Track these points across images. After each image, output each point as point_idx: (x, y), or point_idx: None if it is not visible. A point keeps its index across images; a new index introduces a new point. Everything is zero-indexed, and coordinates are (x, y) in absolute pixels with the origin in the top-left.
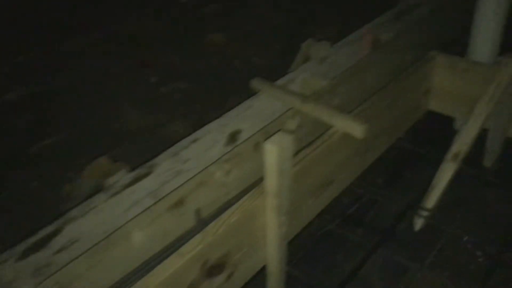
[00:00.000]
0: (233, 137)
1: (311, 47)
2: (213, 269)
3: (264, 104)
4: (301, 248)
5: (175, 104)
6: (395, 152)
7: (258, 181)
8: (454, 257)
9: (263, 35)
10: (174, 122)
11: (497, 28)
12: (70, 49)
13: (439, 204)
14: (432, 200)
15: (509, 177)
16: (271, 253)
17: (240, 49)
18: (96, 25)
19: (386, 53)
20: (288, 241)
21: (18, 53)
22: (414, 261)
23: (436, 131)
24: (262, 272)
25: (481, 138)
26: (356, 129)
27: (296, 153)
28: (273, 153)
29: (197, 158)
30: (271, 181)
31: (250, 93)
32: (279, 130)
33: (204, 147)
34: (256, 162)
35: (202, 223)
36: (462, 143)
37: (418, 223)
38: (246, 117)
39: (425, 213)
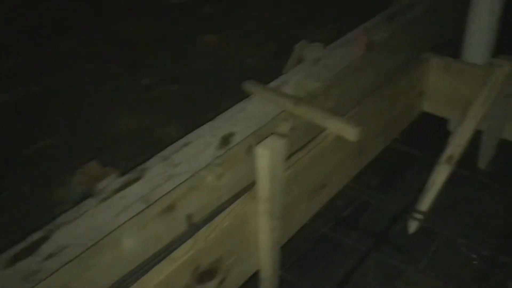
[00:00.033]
0: (225, 140)
1: (305, 49)
2: (204, 275)
3: (256, 106)
4: (295, 252)
5: (167, 106)
6: (389, 154)
7: (251, 185)
8: (449, 260)
9: (257, 36)
10: (166, 124)
11: (491, 29)
12: (61, 51)
13: (434, 206)
14: (426, 202)
15: (503, 179)
16: (264, 258)
17: (233, 51)
18: (87, 27)
19: (380, 54)
20: (281, 245)
21: (8, 55)
22: (408, 264)
23: (430, 133)
24: (254, 277)
25: (475, 139)
26: (350, 132)
27: (289, 156)
28: (265, 157)
29: (189, 162)
30: (263, 186)
31: (244, 95)
32: (271, 134)
33: (196, 150)
34: (249, 166)
35: (193, 228)
36: (456, 145)
37: (413, 226)
38: (238, 120)
39: (419, 216)
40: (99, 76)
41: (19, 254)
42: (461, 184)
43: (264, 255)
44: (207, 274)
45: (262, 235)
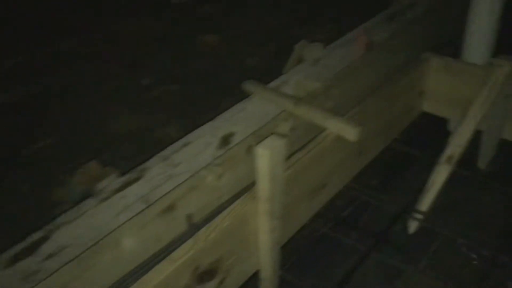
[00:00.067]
0: (225, 140)
1: (305, 49)
2: (204, 275)
3: (256, 106)
4: (295, 252)
5: (167, 106)
6: (389, 154)
7: (251, 185)
8: (449, 260)
9: (257, 36)
10: (166, 124)
11: (491, 29)
12: (60, 51)
13: (434, 206)
14: (426, 202)
15: (503, 179)
16: (264, 258)
17: (233, 51)
18: (87, 27)
19: (380, 54)
20: (281, 245)
21: (8, 55)
22: (408, 264)
23: (430, 133)
24: (254, 277)
25: (475, 139)
26: (350, 132)
27: (289, 156)
28: (265, 157)
29: (189, 162)
30: (263, 186)
31: (244, 95)
32: (271, 134)
33: (196, 150)
34: (249, 166)
35: (193, 228)
36: (456, 145)
37: (413, 226)
38: (238, 120)
39: (419, 216)
40: (99, 76)
41: (19, 254)
42: (461, 184)
43: (264, 255)
44: (207, 274)
45: (262, 235)
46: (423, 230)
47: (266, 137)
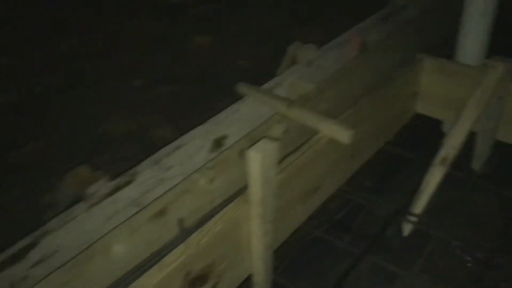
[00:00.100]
0: (218, 143)
1: (298, 50)
2: (196, 280)
3: (250, 109)
4: (288, 256)
5: (160, 108)
6: (383, 156)
7: (244, 189)
8: (443, 263)
9: (251, 37)
10: (159, 127)
11: (485, 30)
12: (52, 52)
13: (428, 208)
14: (420, 205)
15: (498, 180)
16: (257, 262)
17: (227, 52)
18: (79, 28)
19: (374, 55)
20: (274, 249)
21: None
22: (402, 267)
23: (424, 134)
24: (247, 282)
25: (470, 141)
26: (343, 135)
27: (282, 159)
28: (257, 160)
29: (181, 165)
30: (255, 189)
31: (237, 97)
32: (264, 137)
33: (188, 153)
34: (242, 169)
35: (185, 233)
36: (450, 147)
37: (407, 229)
38: (231, 122)
39: (413, 218)
40: (90, 78)
41: (6, 260)
42: (456, 186)
43: (256, 259)
44: (199, 280)
45: (255, 239)
46: (417, 232)
47: (259, 140)
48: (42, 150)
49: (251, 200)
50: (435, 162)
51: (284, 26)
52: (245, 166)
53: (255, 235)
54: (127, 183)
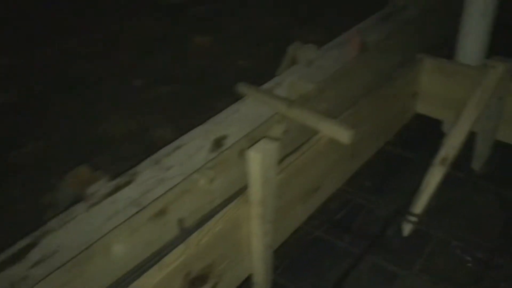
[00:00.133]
0: (218, 143)
1: (298, 50)
2: (196, 280)
3: (250, 109)
4: (288, 256)
5: (160, 108)
6: (383, 156)
7: (244, 189)
8: (443, 263)
9: (251, 37)
10: (159, 127)
11: (485, 30)
12: (52, 52)
13: (428, 208)
14: (420, 205)
15: (498, 180)
16: (257, 262)
17: (227, 52)
18: (79, 27)
19: (373, 55)
20: (274, 249)
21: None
22: (402, 267)
23: (424, 134)
24: (247, 282)
25: (470, 141)
26: (343, 135)
27: (282, 158)
28: (257, 161)
29: (181, 165)
30: (255, 189)
31: (237, 97)
32: (264, 137)
33: (188, 153)
34: (241, 169)
35: (185, 233)
36: (450, 147)
37: (407, 229)
38: (231, 122)
39: (413, 218)
40: (90, 78)
41: (6, 261)
42: (456, 186)
43: (256, 259)
44: (199, 280)
45: (255, 239)
46: (417, 232)
47: (258, 140)
48: (42, 150)
49: (251, 200)
50: (435, 162)
51: (284, 26)
52: (245, 166)
53: (255, 235)
54: (127, 183)
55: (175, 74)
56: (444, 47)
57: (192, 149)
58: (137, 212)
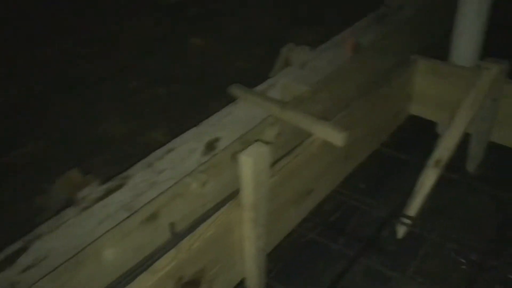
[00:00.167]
0: (210, 146)
1: (292, 52)
2: (188, 285)
3: (242, 111)
4: (281, 259)
5: (154, 110)
6: (377, 158)
7: (236, 192)
8: (437, 265)
9: (250, 38)
10: (153, 129)
11: (479, 31)
12: (52, 52)
13: (422, 210)
14: (414, 207)
15: (492, 182)
16: (249, 266)
17: (222, 53)
18: (74, 28)
19: (367, 57)
20: (268, 252)
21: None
22: (396, 269)
23: (418, 136)
24: (240, 285)
25: (464, 143)
26: (336, 137)
27: (276, 161)
28: (249, 164)
29: (173, 169)
30: (247, 193)
31: (232, 99)
32: (257, 140)
33: (180, 157)
34: (234, 172)
35: (177, 237)
36: (444, 149)
37: (401, 231)
38: (224, 125)
39: (407, 221)
40: (90, 78)
41: None
42: (450, 188)
43: (249, 263)
44: (191, 284)
45: (247, 242)
46: (412, 234)
47: (251, 144)
48: (40, 151)
49: (243, 204)
50: (429, 164)
51: (283, 26)
52: (237, 170)
53: (248, 239)
54: (119, 186)
55: (173, 75)
56: (439, 48)
57: (184, 152)
58: (128, 216)
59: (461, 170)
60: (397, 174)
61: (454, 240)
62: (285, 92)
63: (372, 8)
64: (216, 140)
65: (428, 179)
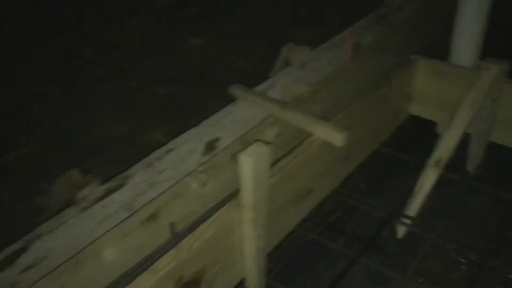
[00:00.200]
0: (210, 146)
1: (292, 52)
2: (188, 285)
3: (242, 111)
4: (281, 259)
5: (154, 110)
6: (377, 158)
7: (236, 192)
8: (437, 265)
9: (250, 38)
10: (153, 129)
11: (479, 30)
12: (46, 53)
13: (422, 210)
14: (414, 207)
15: (492, 182)
16: (249, 266)
17: (222, 53)
18: (74, 28)
19: (367, 57)
20: (267, 252)
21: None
22: (396, 270)
23: (418, 136)
24: (241, 286)
25: (464, 143)
26: (336, 137)
27: (276, 161)
28: (249, 164)
29: (173, 169)
30: (247, 193)
31: (232, 99)
32: (257, 140)
33: (180, 157)
34: (234, 172)
35: (177, 237)
36: (444, 149)
37: (401, 231)
38: (224, 125)
39: (407, 221)
40: (90, 78)
41: None
42: (450, 188)
43: (249, 263)
44: (191, 284)
45: (247, 243)
46: (412, 235)
47: (251, 144)
48: (34, 154)
49: (243, 204)
50: (429, 164)
51: (284, 26)
52: (237, 170)
53: (248, 239)
54: (119, 186)
55: (172, 75)
56: (439, 47)
57: (184, 152)
58: (128, 216)
59: (461, 170)
60: (397, 174)
61: (454, 240)
62: (285, 92)
63: (372, 8)
64: (216, 140)
65: (428, 179)
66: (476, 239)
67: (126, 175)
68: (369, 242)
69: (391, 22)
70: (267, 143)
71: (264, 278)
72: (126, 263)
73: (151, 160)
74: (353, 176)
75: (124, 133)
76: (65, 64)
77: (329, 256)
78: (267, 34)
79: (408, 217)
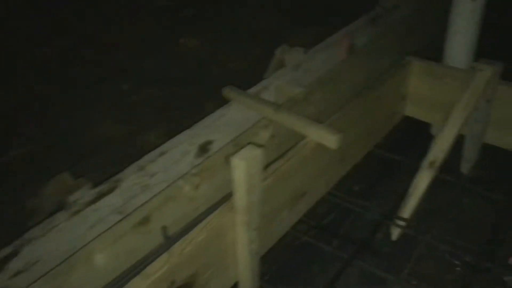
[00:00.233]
0: (203, 149)
1: (286, 53)
2: None
3: (236, 113)
4: (275, 262)
5: (148, 112)
6: (371, 159)
7: (229, 195)
8: (432, 267)
9: (246, 39)
10: (147, 131)
11: (473, 33)
12: (46, 53)
13: (416, 212)
14: (408, 209)
15: (486, 183)
16: (243, 269)
17: (216, 54)
18: (74, 28)
19: (362, 58)
20: (261, 255)
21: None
22: (391, 272)
23: (412, 137)
24: None
25: (458, 144)
26: (330, 139)
27: (269, 164)
28: (241, 167)
29: (165, 172)
30: (240, 196)
31: (226, 100)
32: (249, 143)
33: (173, 159)
34: (227, 175)
35: (169, 241)
36: (438, 150)
37: (395, 233)
38: (217, 127)
39: (401, 223)
40: (78, 81)
41: None
42: (444, 189)
43: (242, 266)
44: None
45: (240, 246)
46: (406, 236)
47: (244, 146)
48: (26, 156)
49: (236, 207)
50: (424, 165)
51: (281, 27)
52: (231, 173)
53: (241, 242)
54: (110, 190)
55: (167, 76)
56: (433, 49)
57: (177, 154)
58: (120, 220)
59: (455, 171)
60: (391, 175)
61: (449, 242)
62: (278, 94)
63: (372, 8)
64: (209, 142)
65: (422, 181)
66: (470, 240)
67: (118, 178)
68: (363, 244)
69: (385, 23)
70: (260, 145)
71: (258, 281)
72: (118, 267)
73: (143, 162)
74: (347, 178)
75: (121, 134)
76: (65, 64)
77: (323, 258)
78: (267, 34)
79: (402, 219)
